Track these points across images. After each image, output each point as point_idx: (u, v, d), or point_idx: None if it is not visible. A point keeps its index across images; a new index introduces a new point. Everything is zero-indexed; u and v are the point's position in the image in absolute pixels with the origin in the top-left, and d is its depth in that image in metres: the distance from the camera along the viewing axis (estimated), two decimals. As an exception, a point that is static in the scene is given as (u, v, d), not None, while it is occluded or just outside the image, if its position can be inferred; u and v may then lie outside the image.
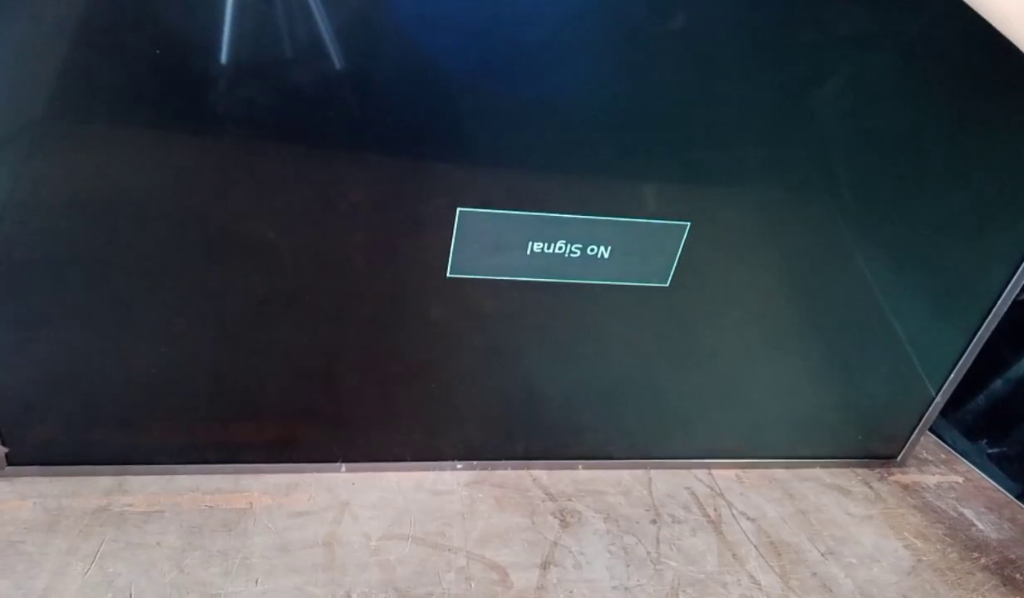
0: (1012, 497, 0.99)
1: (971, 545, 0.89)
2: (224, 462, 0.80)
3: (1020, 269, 0.85)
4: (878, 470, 1.00)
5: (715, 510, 0.87)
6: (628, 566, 0.77)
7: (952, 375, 0.94)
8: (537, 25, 0.59)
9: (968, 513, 0.95)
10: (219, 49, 0.55)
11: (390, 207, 0.66)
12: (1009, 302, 0.88)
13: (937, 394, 0.95)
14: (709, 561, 0.79)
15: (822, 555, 0.83)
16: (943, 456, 1.06)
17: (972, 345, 0.91)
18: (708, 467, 0.94)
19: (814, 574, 0.80)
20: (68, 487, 0.75)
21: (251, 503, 0.77)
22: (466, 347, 0.77)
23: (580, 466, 0.90)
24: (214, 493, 0.77)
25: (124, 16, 0.54)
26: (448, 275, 0.70)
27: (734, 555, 0.81)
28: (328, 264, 0.69)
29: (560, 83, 0.61)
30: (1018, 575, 0.86)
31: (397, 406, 0.81)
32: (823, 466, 0.99)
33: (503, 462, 0.88)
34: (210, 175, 0.62)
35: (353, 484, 0.81)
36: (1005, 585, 0.84)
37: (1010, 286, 0.86)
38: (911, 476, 1.01)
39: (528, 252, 0.69)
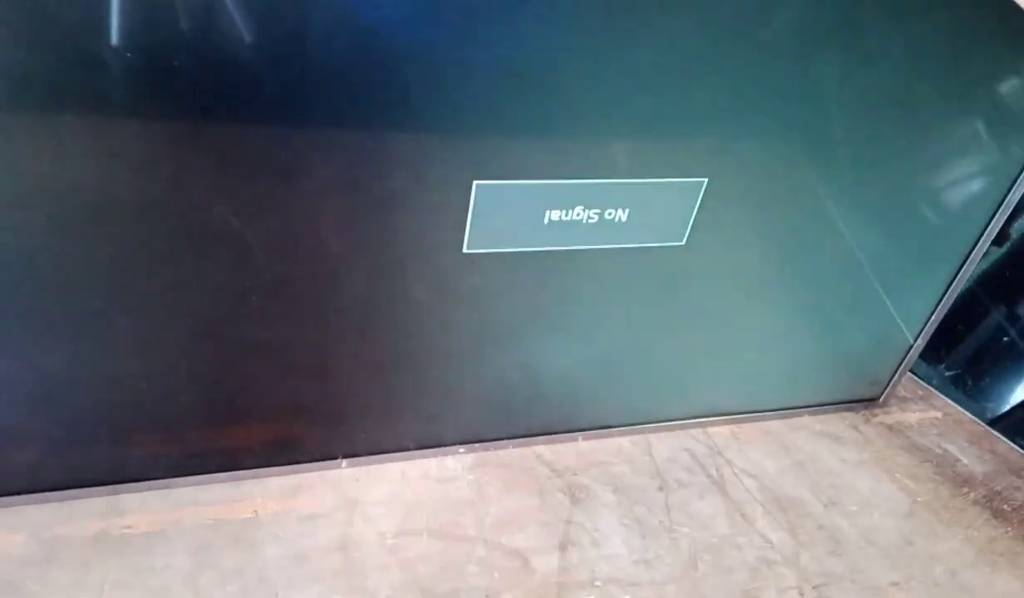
0: (988, 428, 1.03)
1: (959, 481, 0.92)
2: (221, 470, 0.76)
3: (994, 217, 0.86)
4: (863, 413, 1.03)
5: (717, 470, 0.88)
6: (644, 538, 0.77)
7: (931, 319, 0.96)
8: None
9: (952, 448, 0.98)
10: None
11: (397, 186, 0.63)
12: (983, 249, 0.89)
13: (917, 338, 0.97)
14: (720, 524, 0.80)
15: (824, 506, 0.85)
16: (920, 392, 1.10)
17: (949, 291, 0.93)
18: (703, 426, 0.95)
19: (820, 527, 0.82)
20: (59, 513, 0.71)
21: (256, 511, 0.74)
22: (471, 325, 0.75)
23: (580, 438, 0.89)
24: (216, 504, 0.74)
25: None
26: (465, 250, 0.67)
27: (742, 515, 0.82)
28: (316, 251, 0.65)
29: (570, 48, 0.59)
30: (1006, 506, 0.89)
31: (395, 394, 0.78)
32: (812, 414, 1.01)
33: (505, 441, 0.86)
34: (183, 163, 0.57)
35: (357, 480, 0.79)
36: (995, 518, 0.87)
37: (985, 234, 0.88)
38: (894, 416, 1.03)
39: (546, 221, 0.67)
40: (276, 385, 0.73)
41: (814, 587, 0.74)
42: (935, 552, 0.81)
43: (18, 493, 0.70)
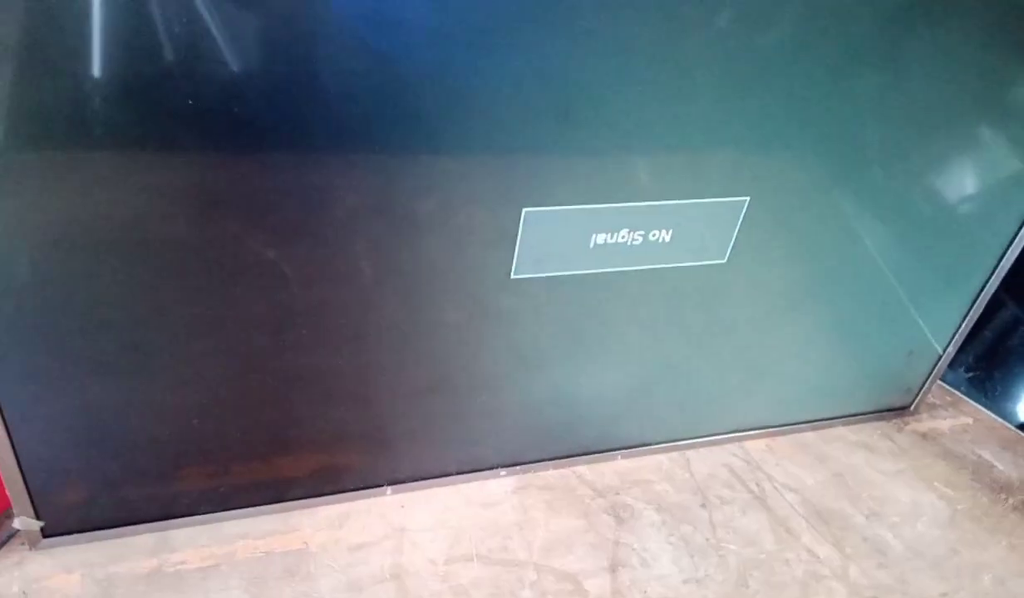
0: (1019, 432, 1.03)
1: (996, 487, 0.93)
2: (269, 502, 0.77)
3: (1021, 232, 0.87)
4: (895, 422, 1.03)
5: (757, 485, 0.88)
6: (692, 557, 0.77)
7: (961, 327, 0.96)
8: (587, 15, 0.56)
9: (985, 454, 0.99)
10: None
11: (444, 213, 0.63)
12: (1012, 258, 0.90)
13: (948, 346, 0.98)
14: (766, 540, 0.80)
15: (866, 518, 0.85)
16: (948, 398, 1.10)
17: (979, 299, 0.93)
18: (739, 440, 0.95)
19: (865, 539, 0.82)
20: (111, 552, 0.71)
21: (306, 542, 0.74)
22: (514, 348, 0.75)
23: (620, 456, 0.90)
24: (266, 537, 0.74)
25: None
26: (512, 276, 0.67)
27: (787, 530, 0.82)
28: (355, 279, 0.66)
29: (617, 73, 0.59)
30: (1045, 512, 0.90)
31: (438, 419, 0.78)
32: (845, 424, 1.01)
33: (545, 462, 0.87)
34: (213, 196, 0.58)
35: (403, 506, 0.79)
36: (1036, 524, 0.87)
37: (1013, 243, 0.88)
38: (926, 423, 1.04)
39: (591, 245, 0.67)
40: (320, 415, 0.73)
41: (865, 601, 0.75)
42: (981, 561, 0.81)
43: (70, 533, 0.70)
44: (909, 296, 0.89)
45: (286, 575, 0.70)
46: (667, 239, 0.69)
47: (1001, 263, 0.90)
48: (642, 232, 0.68)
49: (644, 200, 0.67)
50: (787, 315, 0.85)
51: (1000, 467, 0.96)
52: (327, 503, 0.78)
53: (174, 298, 0.62)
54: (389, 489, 0.81)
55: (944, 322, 0.95)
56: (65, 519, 0.70)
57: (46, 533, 0.70)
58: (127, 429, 0.68)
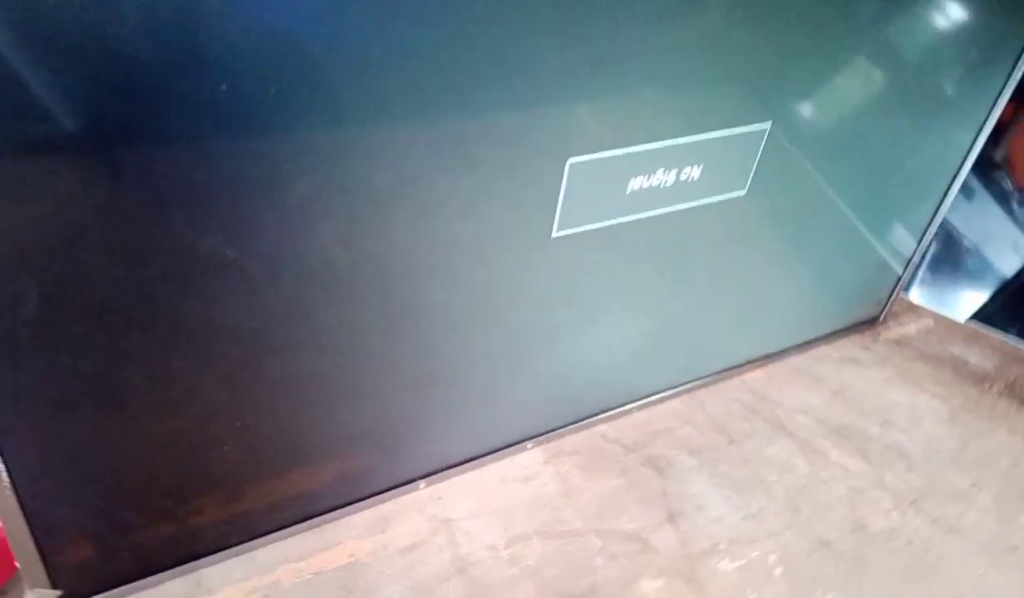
0: (976, 326, 1.10)
1: (977, 379, 0.98)
2: (298, 521, 0.70)
3: (974, 145, 0.92)
4: (868, 334, 1.07)
5: (772, 413, 0.89)
6: (740, 494, 0.77)
7: (924, 238, 1.00)
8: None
9: (956, 351, 1.04)
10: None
11: (484, 171, 0.58)
12: (966, 172, 0.94)
13: (913, 255, 1.02)
14: (799, 465, 0.81)
15: (880, 427, 0.88)
16: (905, 305, 1.15)
17: (938, 213, 0.97)
18: (740, 373, 0.96)
19: (887, 447, 0.84)
20: (139, 607, 0.62)
21: (353, 554, 0.68)
22: (547, 313, 0.71)
23: (635, 410, 0.88)
24: (307, 557, 0.67)
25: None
26: (555, 234, 0.63)
27: (815, 451, 0.83)
28: (335, 268, 0.58)
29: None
30: (1025, 393, 0.95)
31: (459, 402, 0.74)
32: (826, 343, 1.03)
33: (567, 428, 0.84)
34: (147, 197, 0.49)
35: (440, 498, 0.74)
36: (1023, 404, 0.93)
37: (968, 160, 0.92)
38: (895, 331, 1.08)
39: (628, 191, 0.64)
40: (326, 418, 0.66)
41: (910, 503, 0.77)
42: (990, 448, 0.85)
43: (94, 594, 0.61)
44: (882, 213, 0.92)
45: (344, 593, 0.64)
46: (696, 176, 0.67)
47: (958, 174, 0.94)
48: (675, 170, 0.66)
49: (676, 137, 0.64)
50: (792, 243, 0.85)
51: (973, 360, 1.02)
52: (360, 510, 0.72)
53: (133, 320, 0.51)
54: (422, 483, 0.75)
55: (910, 235, 0.99)
56: (82, 582, 0.61)
57: (64, 600, 0.60)
58: (120, 469, 0.59)
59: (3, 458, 0.52)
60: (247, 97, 0.46)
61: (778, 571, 0.68)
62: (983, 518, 0.75)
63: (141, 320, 0.52)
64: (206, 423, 0.60)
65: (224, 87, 0.45)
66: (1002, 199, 1.22)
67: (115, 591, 0.62)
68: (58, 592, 0.59)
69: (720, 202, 0.72)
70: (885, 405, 0.92)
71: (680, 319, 0.83)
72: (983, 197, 1.22)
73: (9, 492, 0.53)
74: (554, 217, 0.63)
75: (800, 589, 0.67)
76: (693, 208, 0.71)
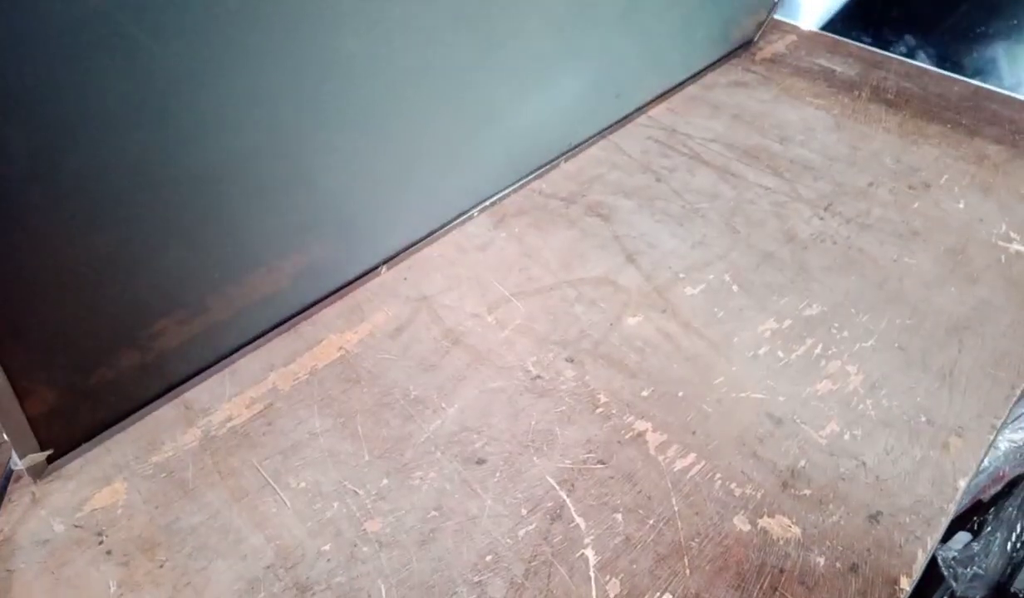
0: (833, 36, 1.17)
1: (847, 87, 1.06)
2: (275, 326, 0.67)
3: None
4: (746, 56, 1.11)
5: (685, 146, 0.93)
6: (682, 225, 0.81)
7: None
8: None
9: (823, 62, 1.11)
10: None
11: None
12: None
13: (785, -29, 1.05)
14: (724, 189, 0.86)
15: (780, 143, 0.94)
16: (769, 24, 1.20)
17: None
18: (645, 111, 0.97)
19: (792, 161, 0.91)
20: (138, 444, 0.58)
21: (342, 348, 0.66)
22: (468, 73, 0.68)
23: (561, 161, 0.88)
24: (296, 359, 0.65)
25: None
26: None
27: (734, 175, 0.89)
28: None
29: None
30: (889, 95, 1.05)
31: (402, 184, 0.71)
32: (712, 70, 1.07)
33: (504, 191, 0.83)
34: None
35: (405, 278, 0.73)
36: (889, 107, 1.02)
37: None
38: (767, 50, 1.13)
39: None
40: (271, 210, 0.61)
41: (825, 208, 0.85)
42: (874, 148, 0.95)
43: (75, 448, 0.57)
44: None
45: (349, 384, 0.63)
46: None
47: None
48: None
49: None
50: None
51: (839, 70, 1.10)
52: (330, 304, 0.70)
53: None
54: (384, 268, 0.73)
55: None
56: (67, 434, 0.56)
57: (52, 459, 0.55)
58: (70, 298, 0.52)
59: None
60: None
61: (735, 287, 0.75)
62: (886, 211, 0.85)
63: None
64: (139, 231, 0.53)
65: None
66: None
67: (101, 436, 0.58)
68: (47, 452, 0.54)
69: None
70: (779, 122, 0.98)
71: (592, 62, 0.82)
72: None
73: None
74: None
75: (758, 298, 0.73)
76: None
